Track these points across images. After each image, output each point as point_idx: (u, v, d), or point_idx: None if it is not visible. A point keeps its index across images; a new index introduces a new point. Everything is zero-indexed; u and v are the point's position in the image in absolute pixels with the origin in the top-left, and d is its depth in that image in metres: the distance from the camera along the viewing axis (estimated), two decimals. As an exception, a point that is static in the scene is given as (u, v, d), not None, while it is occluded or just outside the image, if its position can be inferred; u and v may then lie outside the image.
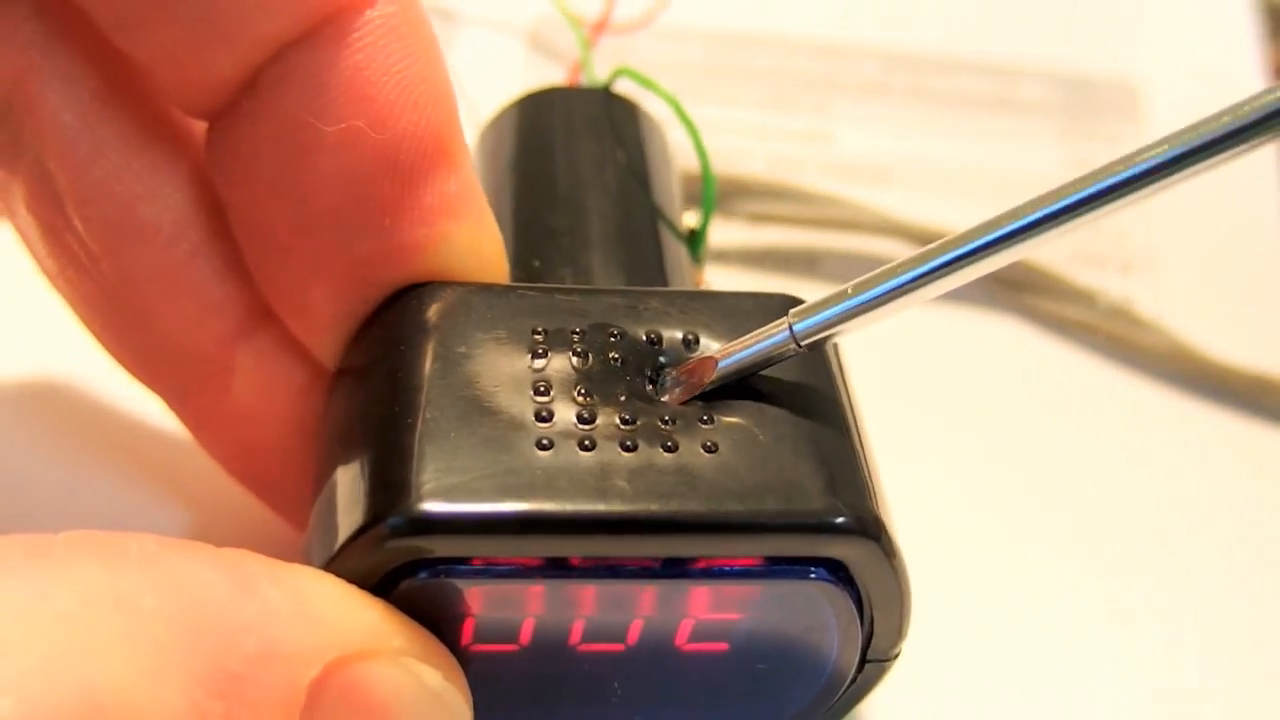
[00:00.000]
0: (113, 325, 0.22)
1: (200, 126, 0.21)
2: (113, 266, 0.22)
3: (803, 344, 0.19)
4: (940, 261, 0.18)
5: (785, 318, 0.19)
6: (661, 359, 0.20)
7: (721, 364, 0.19)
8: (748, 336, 0.19)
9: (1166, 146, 0.17)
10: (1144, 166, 0.17)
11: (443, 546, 0.17)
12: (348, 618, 0.17)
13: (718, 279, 0.32)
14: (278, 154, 0.20)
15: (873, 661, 0.20)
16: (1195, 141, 0.17)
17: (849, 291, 0.19)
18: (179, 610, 0.15)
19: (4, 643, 0.13)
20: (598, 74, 0.30)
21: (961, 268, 0.18)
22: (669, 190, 0.27)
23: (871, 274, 0.19)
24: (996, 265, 0.18)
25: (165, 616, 0.14)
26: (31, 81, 0.21)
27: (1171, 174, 0.17)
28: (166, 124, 0.22)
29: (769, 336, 0.19)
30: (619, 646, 0.19)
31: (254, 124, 0.20)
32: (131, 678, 0.14)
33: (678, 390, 0.19)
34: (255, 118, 0.20)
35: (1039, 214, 0.18)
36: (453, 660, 0.18)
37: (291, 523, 0.24)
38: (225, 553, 0.16)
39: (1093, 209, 0.18)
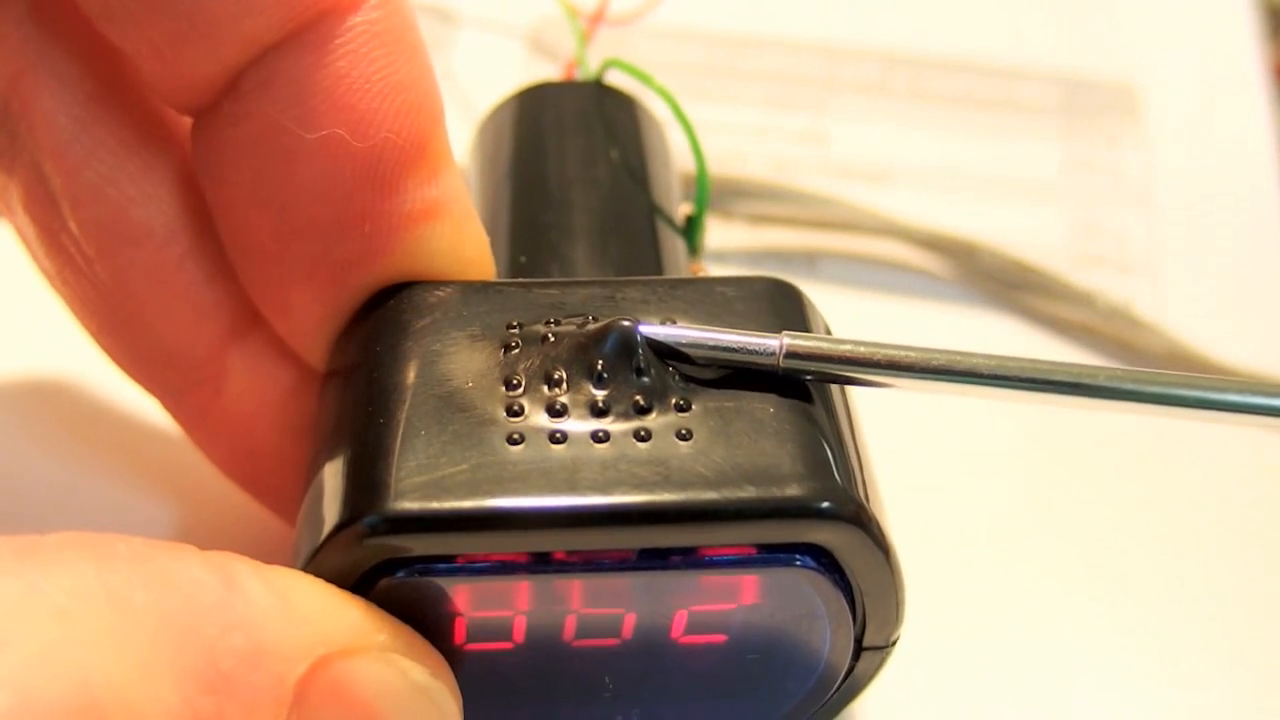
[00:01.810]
0: (108, 326, 0.23)
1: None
2: (107, 268, 0.22)
3: (783, 367, 0.19)
4: (953, 368, 0.19)
5: (781, 334, 0.19)
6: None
7: (692, 334, 0.19)
8: (736, 332, 0.19)
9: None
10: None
11: (417, 544, 0.17)
12: (331, 615, 0.17)
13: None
14: (258, 159, 0.20)
15: (869, 650, 0.20)
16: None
17: (853, 343, 0.19)
18: (169, 607, 0.15)
19: (2, 637, 0.13)
20: (594, 70, 0.30)
21: (972, 384, 0.19)
22: (665, 182, 0.27)
23: (883, 342, 0.19)
24: (1000, 396, 0.19)
25: (156, 612, 0.15)
26: (27, 82, 0.21)
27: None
28: (160, 128, 0.22)
29: (753, 340, 0.19)
30: (613, 641, 0.19)
31: (235, 127, 0.20)
32: (126, 673, 0.14)
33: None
34: (236, 121, 0.20)
35: (1061, 378, 0.19)
36: (439, 656, 0.18)
37: (286, 521, 0.24)
38: (210, 554, 0.16)
39: (1108, 400, 0.19)
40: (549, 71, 0.38)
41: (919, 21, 0.40)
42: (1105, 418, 0.32)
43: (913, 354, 0.19)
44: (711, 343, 0.19)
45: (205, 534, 0.26)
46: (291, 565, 0.18)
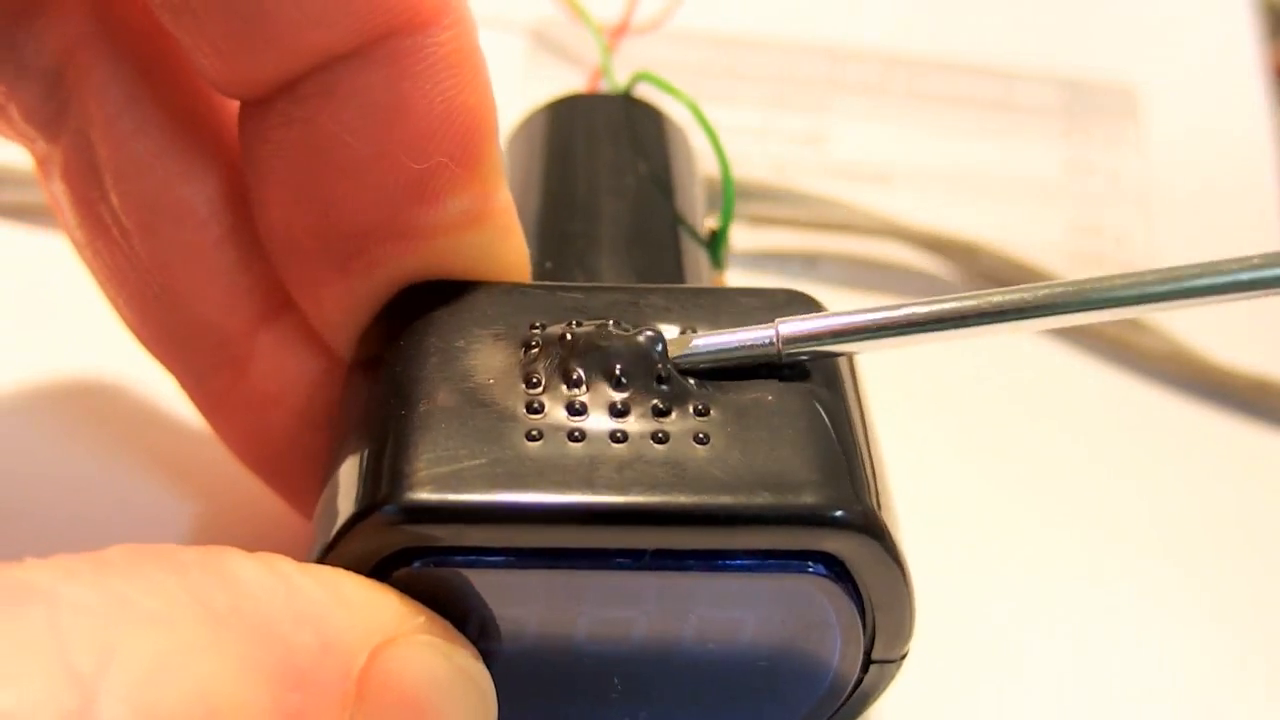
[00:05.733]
0: (136, 300, 0.22)
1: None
2: (144, 243, 0.22)
3: (785, 353, 0.19)
4: (944, 312, 0.19)
5: (774, 321, 0.19)
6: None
7: (695, 343, 0.19)
8: (732, 331, 0.19)
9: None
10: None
11: (434, 535, 0.17)
12: (376, 605, 0.17)
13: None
14: (307, 163, 0.20)
15: (878, 663, 0.20)
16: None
17: (845, 317, 0.19)
18: (247, 608, 0.15)
19: (108, 648, 0.13)
20: (620, 81, 0.30)
21: (963, 327, 0.19)
22: (690, 194, 0.27)
23: (875, 307, 0.19)
24: (996, 333, 0.19)
25: (237, 615, 0.15)
26: (84, 52, 0.21)
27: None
28: (209, 109, 0.22)
29: (751, 335, 0.19)
30: (623, 642, 0.19)
31: (288, 129, 0.19)
32: (227, 677, 0.14)
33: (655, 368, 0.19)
34: (290, 122, 0.19)
35: (1049, 297, 0.19)
36: (468, 641, 0.18)
37: (299, 510, 0.24)
38: (257, 554, 0.16)
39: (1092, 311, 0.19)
40: (552, 70, 0.38)
41: (919, 22, 0.41)
42: (1103, 408, 0.32)
43: (901, 311, 0.19)
44: (713, 348, 0.19)
45: (218, 529, 0.26)
46: (308, 556, 0.18)
